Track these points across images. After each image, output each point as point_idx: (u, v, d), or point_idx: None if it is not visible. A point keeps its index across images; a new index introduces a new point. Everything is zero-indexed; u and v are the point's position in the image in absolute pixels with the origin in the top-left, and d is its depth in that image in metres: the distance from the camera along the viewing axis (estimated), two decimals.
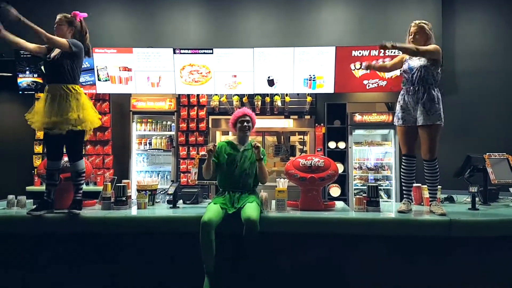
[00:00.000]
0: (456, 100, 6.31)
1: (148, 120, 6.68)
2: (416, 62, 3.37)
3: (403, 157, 3.50)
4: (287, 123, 6.44)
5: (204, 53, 6.07)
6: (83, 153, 6.27)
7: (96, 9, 6.75)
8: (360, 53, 5.96)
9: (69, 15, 3.39)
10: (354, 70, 6.01)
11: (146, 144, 6.65)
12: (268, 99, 6.40)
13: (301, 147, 6.78)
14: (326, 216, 3.25)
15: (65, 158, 3.48)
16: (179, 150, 6.49)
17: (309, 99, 6.36)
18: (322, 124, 6.40)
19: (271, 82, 6.09)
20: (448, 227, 3.05)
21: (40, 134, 6.14)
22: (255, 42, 6.46)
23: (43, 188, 3.40)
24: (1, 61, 6.50)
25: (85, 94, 3.45)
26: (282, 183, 3.48)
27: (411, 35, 3.39)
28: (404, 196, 3.49)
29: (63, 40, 3.22)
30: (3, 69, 6.49)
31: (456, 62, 6.49)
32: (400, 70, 3.53)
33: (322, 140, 6.36)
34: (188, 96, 6.47)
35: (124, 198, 3.47)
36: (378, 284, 3.15)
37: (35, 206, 3.30)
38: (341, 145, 6.34)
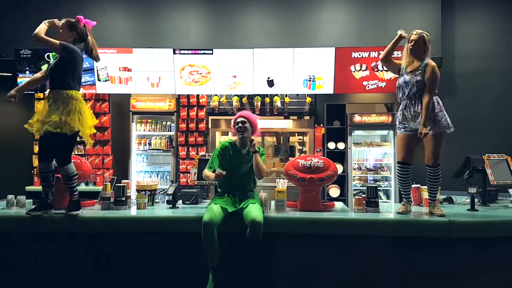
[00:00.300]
0: (455, 101, 6.31)
1: (148, 120, 6.68)
2: (412, 77, 3.32)
3: (398, 164, 3.46)
4: (287, 124, 6.45)
5: (204, 53, 6.08)
6: (83, 153, 6.30)
7: (97, 9, 6.76)
8: (359, 54, 5.97)
9: (72, 20, 3.38)
10: (354, 71, 6.02)
11: (145, 144, 6.65)
12: (267, 99, 6.41)
13: (301, 147, 6.78)
14: (325, 216, 3.25)
15: None
16: (179, 150, 6.50)
17: (308, 99, 6.37)
18: (321, 125, 6.41)
19: (270, 83, 6.09)
20: (447, 228, 3.05)
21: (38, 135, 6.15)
22: (255, 43, 6.47)
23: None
24: (1, 61, 6.51)
25: (84, 99, 3.42)
26: (282, 184, 3.48)
27: (411, 42, 3.37)
28: (404, 198, 3.49)
29: (55, 42, 3.20)
30: (3, 69, 6.50)
31: (455, 63, 6.50)
32: (397, 83, 3.46)
33: (322, 140, 6.37)
34: (188, 96, 6.48)
35: (123, 198, 3.47)
36: (378, 285, 3.16)
37: (34, 206, 3.30)
38: (341, 145, 6.35)
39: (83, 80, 6.09)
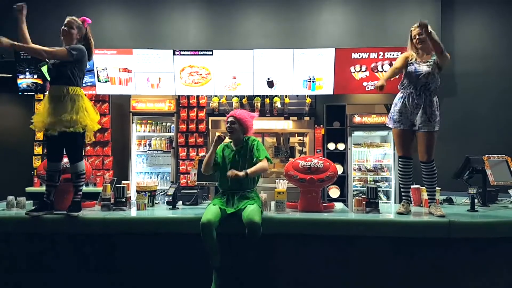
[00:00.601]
0: (455, 101, 6.32)
1: (148, 121, 6.68)
2: (424, 68, 3.31)
3: (400, 159, 3.49)
4: (287, 125, 6.45)
5: (204, 54, 6.08)
6: (83, 154, 6.29)
7: (96, 10, 6.77)
8: (359, 55, 5.98)
9: (79, 21, 3.40)
10: (353, 72, 6.02)
11: (145, 145, 6.65)
12: (267, 100, 6.41)
13: (301, 148, 6.78)
14: (325, 217, 3.25)
15: (65, 159, 3.48)
16: (179, 151, 6.50)
17: (308, 100, 6.37)
18: (321, 126, 6.41)
19: (270, 84, 6.10)
20: (447, 229, 3.06)
21: (40, 135, 6.15)
22: (254, 44, 6.48)
23: (42, 189, 3.40)
24: (1, 62, 6.51)
25: (86, 96, 3.45)
26: (282, 185, 3.48)
27: (415, 38, 3.35)
28: (403, 197, 3.50)
29: (62, 51, 3.23)
30: (3, 70, 6.49)
31: (455, 63, 6.50)
32: (405, 72, 3.40)
33: (322, 141, 6.37)
34: (188, 97, 6.48)
35: (123, 199, 3.47)
36: (378, 285, 3.16)
37: (34, 207, 3.30)
38: (341, 146, 6.35)
39: (83, 81, 6.10)
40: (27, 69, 6.27)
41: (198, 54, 6.09)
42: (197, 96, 6.46)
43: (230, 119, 3.36)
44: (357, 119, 6.24)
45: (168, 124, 6.69)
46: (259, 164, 3.23)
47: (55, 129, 3.20)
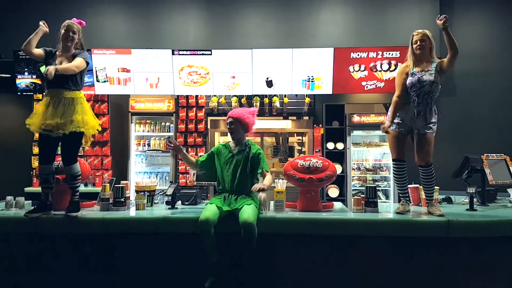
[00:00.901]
0: (454, 101, 6.32)
1: (147, 121, 6.68)
2: (428, 76, 3.30)
3: (394, 162, 3.46)
4: (286, 124, 6.45)
5: (202, 54, 6.08)
6: (82, 153, 6.29)
7: (95, 10, 6.76)
8: (358, 54, 5.97)
9: (77, 24, 3.42)
10: (352, 72, 6.03)
11: (144, 145, 6.65)
12: (266, 100, 6.41)
13: (300, 148, 6.78)
14: (324, 217, 3.25)
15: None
16: None
17: (307, 100, 6.37)
18: (320, 125, 6.41)
19: (269, 83, 6.10)
20: (446, 228, 3.06)
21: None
22: (253, 43, 6.48)
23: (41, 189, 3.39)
24: (0, 62, 6.50)
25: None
26: (281, 184, 3.48)
27: (416, 43, 3.34)
28: (401, 197, 3.50)
29: (82, 62, 3.35)
30: (1, 70, 6.48)
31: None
32: (408, 82, 3.35)
33: (321, 141, 6.37)
34: (187, 97, 6.48)
35: (122, 199, 3.47)
36: (377, 285, 3.16)
37: (32, 208, 3.29)
38: (340, 146, 6.35)
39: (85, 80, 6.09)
40: (25, 69, 6.26)
41: (197, 54, 6.08)
42: (196, 96, 6.46)
43: (229, 120, 3.37)
44: (356, 118, 6.24)
45: (167, 124, 6.69)
46: (270, 177, 3.29)
47: (67, 129, 3.22)
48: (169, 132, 6.64)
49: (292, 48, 6.06)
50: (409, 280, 3.13)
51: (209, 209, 3.08)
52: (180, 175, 6.42)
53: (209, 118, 6.58)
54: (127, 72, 6.16)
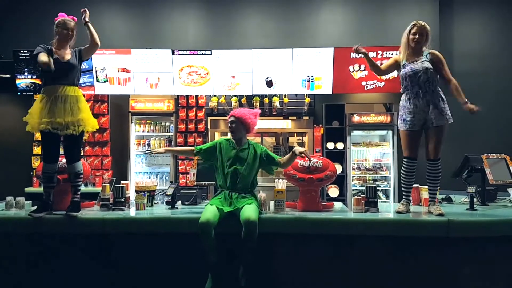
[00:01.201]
0: (454, 100, 6.29)
1: (147, 121, 6.68)
2: (419, 65, 3.32)
3: (405, 160, 3.43)
4: (286, 124, 6.45)
5: (202, 54, 6.08)
6: (82, 154, 6.29)
7: (95, 10, 6.73)
8: (358, 54, 5.96)
9: (73, 21, 3.42)
10: (352, 71, 6.03)
11: (144, 145, 6.65)
12: (266, 100, 6.41)
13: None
14: (324, 216, 3.25)
15: (62, 160, 3.48)
16: None
17: (307, 100, 6.37)
18: (320, 125, 6.41)
19: (269, 83, 6.10)
20: (446, 228, 3.06)
21: (39, 136, 6.14)
22: (253, 43, 6.48)
23: (41, 189, 3.40)
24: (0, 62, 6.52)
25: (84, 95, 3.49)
26: (281, 184, 3.48)
27: (415, 35, 3.34)
28: (403, 197, 3.49)
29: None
30: (1, 70, 6.48)
31: (454, 62, 6.50)
32: (401, 74, 3.41)
33: (321, 140, 6.37)
34: (187, 97, 6.47)
35: (122, 199, 3.47)
36: (377, 284, 3.16)
37: (35, 208, 3.29)
38: (340, 145, 6.35)
39: (81, 81, 6.08)
40: (25, 69, 6.26)
41: (197, 54, 6.08)
42: (196, 96, 6.46)
43: (231, 119, 3.36)
44: (356, 118, 6.24)
45: (167, 124, 6.69)
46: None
47: (79, 129, 3.25)
48: (169, 132, 6.64)
49: (292, 48, 6.06)
50: (409, 280, 3.13)
51: (209, 211, 3.07)
52: (180, 175, 6.42)
53: (209, 118, 6.58)
54: (127, 72, 6.16)
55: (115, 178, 3.87)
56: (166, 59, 6.09)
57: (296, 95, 6.35)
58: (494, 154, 3.98)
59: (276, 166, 3.38)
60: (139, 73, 6.16)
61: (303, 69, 6.03)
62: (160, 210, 3.56)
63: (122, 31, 6.84)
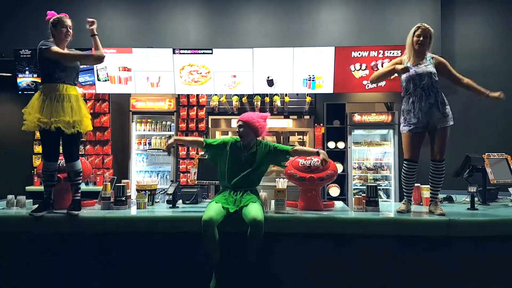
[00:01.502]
0: (455, 100, 6.26)
1: (148, 120, 6.68)
2: (423, 68, 3.32)
3: (405, 162, 3.42)
4: (287, 123, 6.45)
5: (203, 53, 6.08)
6: (83, 152, 6.30)
7: (96, 9, 6.76)
8: (359, 53, 5.97)
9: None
10: (353, 71, 6.02)
11: (145, 144, 6.65)
12: (267, 99, 6.41)
13: (301, 147, 6.78)
14: (325, 216, 3.25)
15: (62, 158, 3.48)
16: (179, 150, 6.50)
17: (308, 99, 6.37)
18: (321, 124, 6.41)
19: (270, 82, 6.09)
20: (447, 227, 3.06)
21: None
22: (254, 42, 6.47)
23: (42, 188, 3.39)
24: (0, 61, 6.51)
25: (84, 99, 3.51)
26: (282, 183, 3.48)
27: (419, 37, 3.33)
28: (405, 197, 3.48)
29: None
30: (2, 69, 6.49)
31: (455, 62, 6.48)
32: (404, 77, 3.39)
33: (322, 140, 6.37)
34: (188, 96, 6.47)
35: (123, 198, 3.47)
36: (378, 284, 3.16)
37: (36, 207, 3.29)
38: (340, 145, 6.35)
39: (82, 80, 6.11)
40: (26, 68, 6.26)
41: (198, 53, 6.08)
42: (197, 95, 6.46)
43: (239, 123, 3.31)
44: (357, 117, 6.24)
45: (168, 123, 6.69)
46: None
47: (80, 127, 3.26)
48: (170, 131, 6.64)
49: (293, 47, 6.05)
50: (409, 279, 3.13)
51: (212, 208, 3.05)
52: (181, 174, 6.42)
53: (210, 117, 6.58)
54: (128, 71, 6.16)
55: (116, 177, 3.88)
56: (167, 58, 6.09)
57: (297, 94, 6.34)
58: (495, 154, 3.98)
59: (289, 157, 3.36)
60: (140, 72, 6.16)
61: (304, 68, 6.03)
62: (161, 209, 3.57)
63: (123, 30, 6.84)
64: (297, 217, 3.21)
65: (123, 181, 3.70)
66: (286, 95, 6.34)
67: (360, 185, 6.26)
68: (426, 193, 3.58)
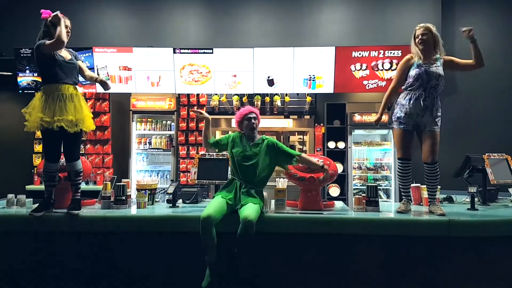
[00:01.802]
0: (455, 100, 6.31)
1: (148, 119, 6.68)
2: (434, 69, 3.31)
3: (399, 161, 3.45)
4: (287, 123, 6.45)
5: (204, 52, 6.08)
6: (83, 152, 6.30)
7: (97, 8, 6.76)
8: (360, 53, 5.97)
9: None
10: (354, 70, 6.02)
11: (145, 144, 6.65)
12: (267, 99, 6.41)
13: (301, 147, 6.78)
14: (325, 216, 3.25)
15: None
16: (179, 149, 6.50)
17: (308, 99, 6.37)
18: (321, 124, 6.41)
19: (271, 82, 6.09)
20: (447, 227, 3.06)
21: (40, 133, 6.15)
22: (255, 42, 6.47)
23: (42, 187, 3.39)
24: (1, 60, 6.50)
25: (84, 99, 3.51)
26: (282, 183, 3.48)
27: (418, 37, 3.35)
28: (403, 197, 3.49)
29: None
30: (3, 68, 6.49)
31: None
32: (412, 73, 3.35)
33: (322, 140, 6.37)
34: (188, 95, 6.47)
35: (123, 198, 3.47)
36: (378, 284, 3.16)
37: (36, 206, 3.29)
38: (341, 145, 6.35)
39: (83, 79, 6.08)
40: (27, 67, 6.26)
41: (198, 53, 6.08)
42: (197, 95, 6.46)
43: (253, 115, 3.35)
44: (357, 117, 6.24)
45: (168, 122, 6.69)
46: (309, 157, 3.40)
47: (82, 126, 3.27)
48: (171, 130, 6.64)
49: (293, 47, 6.05)
50: (410, 279, 3.13)
51: (212, 206, 3.05)
52: (181, 174, 6.42)
53: (210, 117, 6.56)
54: (128, 70, 6.16)
55: (116, 176, 3.88)
56: (168, 57, 6.09)
57: (298, 94, 6.35)
58: (495, 154, 3.98)
59: (294, 162, 3.35)
60: (140, 71, 6.16)
61: (304, 68, 6.03)
62: (161, 208, 3.57)
63: (123, 29, 6.84)
64: (297, 217, 3.22)
65: (123, 180, 3.70)
66: (286, 95, 6.34)
67: (360, 185, 6.26)
68: (426, 193, 3.58)
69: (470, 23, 6.62)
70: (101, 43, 6.23)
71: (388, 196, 6.36)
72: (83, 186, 3.48)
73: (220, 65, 6.08)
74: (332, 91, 6.09)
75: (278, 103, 6.40)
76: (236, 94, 6.35)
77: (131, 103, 6.52)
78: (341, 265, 3.18)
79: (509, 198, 4.15)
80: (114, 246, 3.28)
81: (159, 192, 5.64)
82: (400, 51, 5.73)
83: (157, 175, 6.54)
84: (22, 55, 6.21)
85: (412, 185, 3.67)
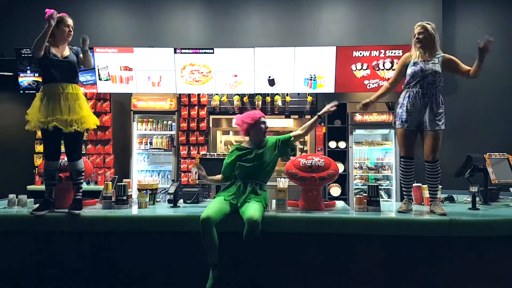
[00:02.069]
0: (456, 99, 6.30)
1: (149, 119, 6.69)
2: (431, 66, 3.31)
3: (402, 160, 3.45)
4: (288, 123, 6.45)
5: (205, 52, 6.08)
6: (84, 152, 6.31)
7: (97, 9, 6.77)
8: (360, 53, 5.97)
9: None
10: (355, 70, 6.02)
11: (146, 144, 6.66)
12: (268, 98, 6.41)
13: (302, 146, 6.78)
14: (326, 215, 3.25)
15: (65, 157, 3.48)
16: (180, 149, 6.50)
17: (309, 98, 6.37)
18: (322, 124, 6.41)
19: (271, 82, 6.09)
20: (448, 227, 3.05)
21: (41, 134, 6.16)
22: (255, 42, 6.47)
23: (44, 187, 3.39)
24: (2, 60, 6.51)
25: (85, 98, 3.50)
26: (283, 183, 3.48)
27: (415, 36, 3.37)
28: (405, 196, 3.49)
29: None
30: (4, 68, 6.50)
31: None
32: (409, 71, 3.37)
33: (323, 139, 6.37)
34: (189, 95, 6.48)
35: (125, 198, 3.47)
36: (378, 284, 3.16)
37: (37, 206, 3.30)
38: (342, 144, 6.35)
39: (84, 79, 6.12)
40: (28, 67, 6.27)
41: (199, 53, 6.09)
42: (198, 95, 6.46)
43: (263, 119, 3.41)
44: (358, 117, 6.23)
45: (169, 122, 6.70)
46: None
47: (79, 126, 3.25)
48: (171, 130, 6.64)
49: (294, 47, 6.05)
50: (410, 279, 3.13)
51: (212, 206, 3.06)
52: (182, 174, 6.43)
53: (211, 116, 6.58)
54: (129, 70, 6.17)
55: (117, 176, 3.87)
56: (168, 57, 6.09)
57: (298, 94, 6.35)
58: (496, 154, 3.97)
59: (294, 142, 3.45)
60: (141, 71, 6.16)
61: (305, 67, 6.03)
62: (162, 208, 3.57)
63: (124, 29, 6.84)
64: (298, 217, 3.21)
65: (124, 180, 3.70)
66: (287, 94, 6.34)
67: (361, 185, 6.26)
68: (427, 192, 3.57)
69: (470, 23, 6.68)
70: (102, 43, 6.24)
71: (389, 196, 6.35)
72: (84, 186, 3.47)
73: (221, 65, 6.08)
74: (333, 91, 6.09)
75: (279, 103, 6.40)
76: (237, 94, 6.35)
77: (132, 103, 6.53)
78: (341, 265, 3.17)
79: (510, 197, 4.14)
80: (115, 246, 3.28)
81: (160, 192, 5.62)
82: (401, 50, 5.71)
83: (158, 175, 6.55)
84: (23, 55, 6.22)
85: (413, 185, 3.67)
